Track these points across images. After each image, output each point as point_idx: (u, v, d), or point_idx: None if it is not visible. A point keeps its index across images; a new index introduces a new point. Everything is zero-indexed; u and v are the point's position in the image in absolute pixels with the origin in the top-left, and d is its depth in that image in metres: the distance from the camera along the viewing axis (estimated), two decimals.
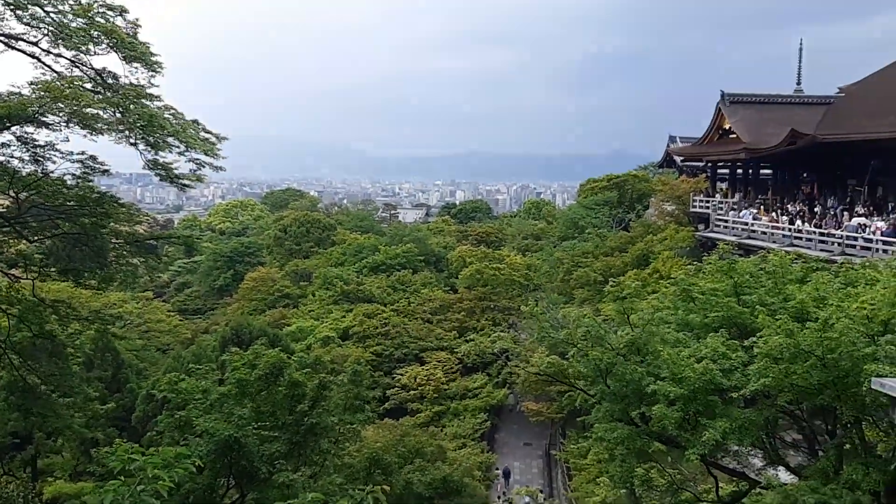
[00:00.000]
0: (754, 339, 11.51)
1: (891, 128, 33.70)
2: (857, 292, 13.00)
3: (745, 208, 40.89)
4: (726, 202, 42.83)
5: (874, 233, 30.72)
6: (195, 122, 17.84)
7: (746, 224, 38.34)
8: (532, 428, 43.36)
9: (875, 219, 33.00)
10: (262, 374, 15.16)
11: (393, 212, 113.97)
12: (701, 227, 42.77)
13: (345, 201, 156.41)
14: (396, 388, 43.29)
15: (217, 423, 14.10)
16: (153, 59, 16.77)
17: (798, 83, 48.95)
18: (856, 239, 30.76)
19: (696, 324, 13.86)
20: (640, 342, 13.25)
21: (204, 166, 17.90)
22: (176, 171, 18.09)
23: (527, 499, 32.81)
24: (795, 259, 17.03)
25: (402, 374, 44.18)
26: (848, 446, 11.61)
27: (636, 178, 61.08)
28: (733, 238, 38.03)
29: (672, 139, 55.95)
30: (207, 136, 17.92)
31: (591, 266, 44.26)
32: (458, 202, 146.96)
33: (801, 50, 50.28)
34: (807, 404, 12.01)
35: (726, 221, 40.28)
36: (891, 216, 32.52)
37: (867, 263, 15.59)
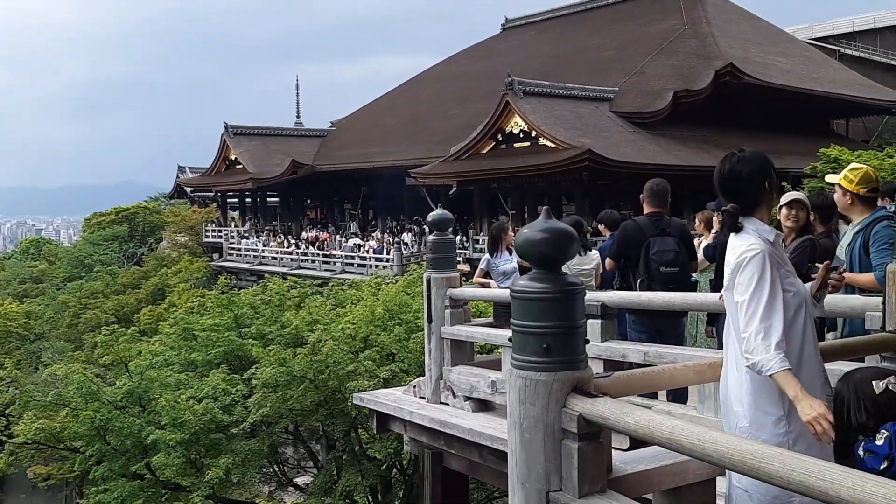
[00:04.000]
0: (252, 370, 11.69)
1: (368, 158, 38.31)
2: (345, 312, 14.18)
3: (255, 235, 42.27)
4: (237, 230, 43.70)
5: (367, 251, 34.46)
6: None
7: (258, 251, 39.57)
8: (44, 493, 38.29)
9: (368, 239, 37.10)
10: None
11: None
12: (216, 256, 42.85)
13: None
14: None
15: None
16: None
17: (298, 116, 52.76)
18: (353, 258, 34.04)
19: (199, 362, 13.55)
20: (140, 390, 12.45)
21: None
22: None
23: None
24: (294, 284, 17.95)
25: None
26: (346, 457, 12.50)
27: (147, 210, 58.44)
28: (247, 265, 38.98)
29: (181, 169, 55.27)
30: None
31: (103, 307, 40.96)
32: None
33: (297, 86, 54.33)
34: (306, 424, 12.62)
35: (239, 249, 41.03)
36: (379, 236, 36.89)
37: (353, 283, 17.19)
